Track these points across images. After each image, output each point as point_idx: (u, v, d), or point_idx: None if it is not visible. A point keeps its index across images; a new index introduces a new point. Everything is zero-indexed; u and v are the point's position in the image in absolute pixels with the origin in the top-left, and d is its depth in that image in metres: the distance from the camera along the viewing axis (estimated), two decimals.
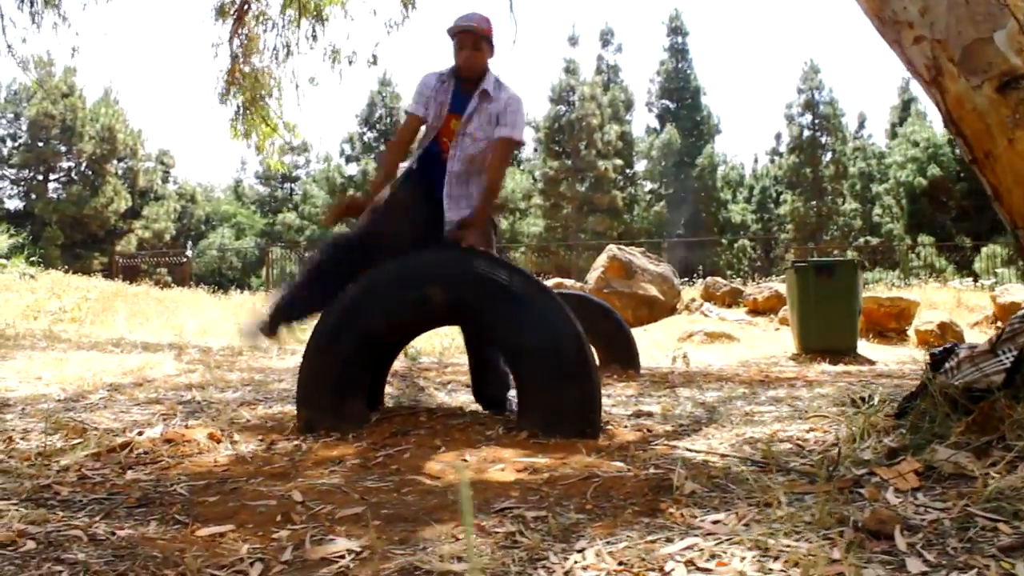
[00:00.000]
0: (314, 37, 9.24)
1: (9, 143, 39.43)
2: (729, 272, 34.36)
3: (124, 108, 42.19)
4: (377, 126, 40.27)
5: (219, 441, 3.36)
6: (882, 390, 4.90)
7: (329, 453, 3.13)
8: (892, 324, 13.32)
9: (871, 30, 3.38)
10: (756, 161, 46.31)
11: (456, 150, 4.03)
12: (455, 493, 2.54)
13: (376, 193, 4.01)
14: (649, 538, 2.05)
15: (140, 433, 3.51)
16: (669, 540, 2.03)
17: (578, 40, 41.15)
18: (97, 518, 2.30)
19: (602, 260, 16.18)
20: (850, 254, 35.88)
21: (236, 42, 9.24)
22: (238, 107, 9.52)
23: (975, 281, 21.68)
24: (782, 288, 16.34)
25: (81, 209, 37.54)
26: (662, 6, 72.48)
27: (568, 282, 16.92)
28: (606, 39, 40.50)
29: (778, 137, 44.23)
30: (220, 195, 49.24)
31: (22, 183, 39.62)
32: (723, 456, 3.08)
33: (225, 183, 51.10)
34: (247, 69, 9.57)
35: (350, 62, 10.04)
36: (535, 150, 39.93)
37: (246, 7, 9.10)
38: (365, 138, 39.54)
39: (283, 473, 2.82)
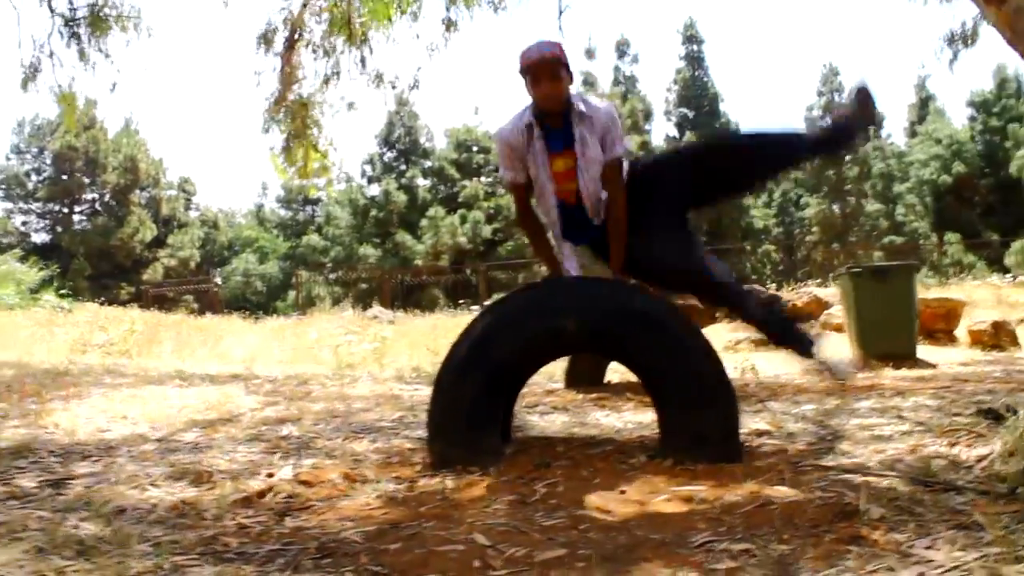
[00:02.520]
0: (363, 63, 9.25)
1: (34, 177, 39.75)
2: (754, 277, 34.21)
3: (145, 138, 42.43)
4: (396, 146, 40.34)
5: (354, 481, 3.30)
6: (1004, 399, 4.80)
7: (478, 490, 3.06)
8: (940, 325, 13.14)
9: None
10: None
11: (583, 182, 3.87)
12: (641, 528, 2.48)
13: (554, 268, 4.01)
14: (869, 568, 2.00)
15: (270, 475, 3.46)
16: (891, 569, 1.97)
17: (595, 52, 41.25)
18: (288, 572, 2.24)
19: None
20: (876, 255, 35.72)
21: (286, 69, 9.25)
22: (288, 134, 9.51)
23: (1014, 277, 21.52)
24: (820, 292, 16.24)
25: (107, 240, 37.82)
26: (677, 15, 72.50)
27: None
28: (622, 50, 40.53)
29: None
30: (242, 220, 49.46)
31: (48, 216, 39.91)
32: (880, 475, 3.00)
33: (246, 208, 51.35)
34: (292, 97, 9.57)
35: (393, 86, 10.05)
36: None
37: (296, 36, 9.12)
38: (385, 158, 39.62)
39: (445, 515, 2.75)
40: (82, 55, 9.49)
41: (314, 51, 9.18)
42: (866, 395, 6.04)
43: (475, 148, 39.82)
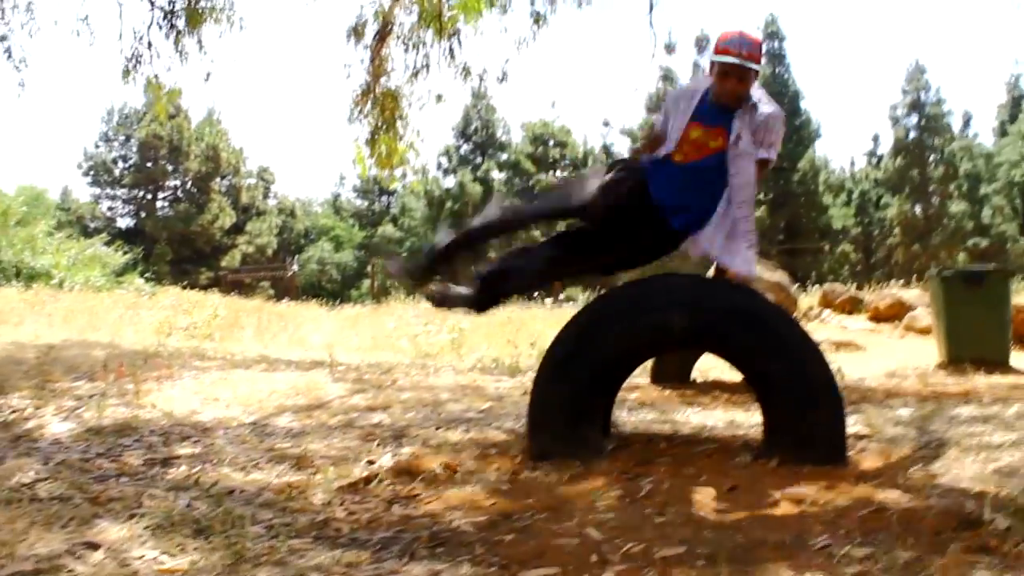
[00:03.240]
0: (451, 55, 9.27)
1: (121, 164, 40.73)
2: (831, 277, 33.59)
3: (226, 127, 43.30)
4: (473, 138, 40.47)
5: (455, 471, 3.31)
6: None
7: (582, 484, 3.04)
8: None
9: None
10: (853, 164, 45.28)
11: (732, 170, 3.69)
12: (756, 529, 2.44)
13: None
14: None
15: (371, 463, 3.49)
16: None
17: (675, 47, 40.85)
18: (404, 559, 2.25)
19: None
20: (960, 257, 34.82)
21: (375, 61, 9.31)
22: (376, 125, 9.57)
23: None
24: (905, 295, 15.88)
25: (188, 226, 38.61)
26: (758, 11, 71.53)
27: None
28: (701, 45, 40.02)
29: (876, 139, 43.26)
30: (318, 209, 50.08)
31: (133, 202, 40.90)
32: (998, 486, 2.91)
33: (323, 197, 51.98)
34: (380, 89, 9.63)
35: (481, 79, 10.04)
36: None
37: (388, 28, 9.17)
38: (461, 151, 39.76)
39: (553, 508, 2.74)
40: (178, 47, 9.68)
41: (404, 44, 9.26)
42: (963, 401, 5.89)
43: (551, 142, 39.76)
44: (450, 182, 39.00)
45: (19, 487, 3.26)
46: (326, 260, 42.69)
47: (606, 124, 44.55)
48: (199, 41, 9.98)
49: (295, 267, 37.00)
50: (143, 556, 2.33)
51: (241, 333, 13.56)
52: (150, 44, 9.76)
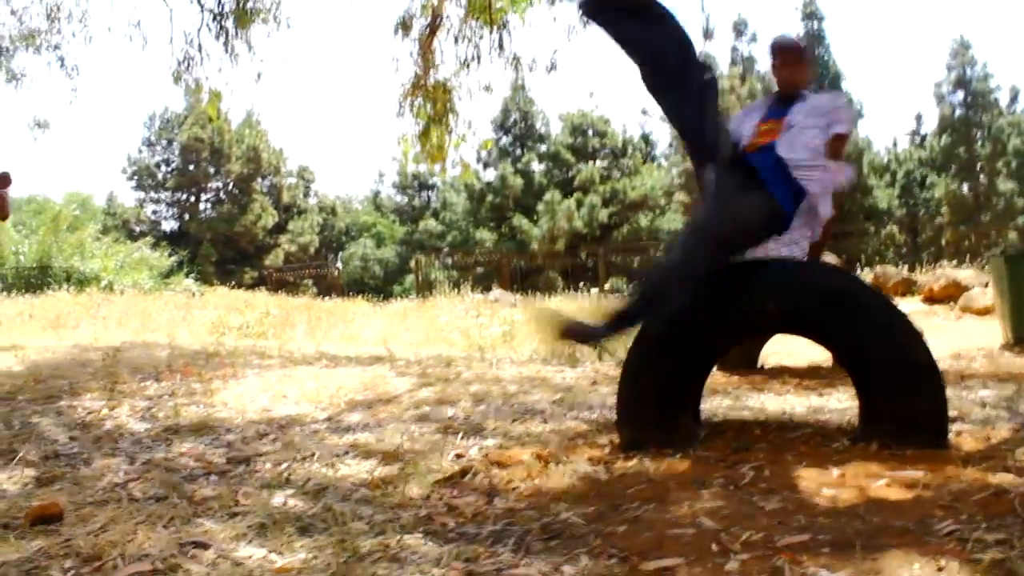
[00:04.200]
0: (500, 47, 9.22)
1: (164, 168, 41.19)
2: (877, 260, 33.13)
3: (266, 128, 43.60)
4: (512, 131, 40.36)
5: (547, 462, 3.26)
6: None
7: (680, 473, 2.99)
8: None
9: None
10: (895, 144, 44.60)
11: (781, 140, 3.89)
12: (874, 514, 2.37)
13: None
14: None
15: (459, 456, 3.46)
16: None
17: (713, 33, 40.45)
18: (520, 553, 2.21)
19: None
20: (1012, 236, 34.19)
21: (425, 54, 9.29)
22: (429, 118, 9.55)
23: None
24: (959, 275, 15.61)
25: (232, 227, 38.96)
26: None
27: None
28: (739, 30, 39.61)
29: (919, 118, 42.60)
30: (358, 206, 50.29)
31: (176, 205, 41.33)
32: None
33: (363, 194, 52.20)
34: (431, 81, 9.61)
35: (531, 69, 9.99)
36: (671, 145, 39.39)
37: (438, 20, 9.15)
38: (501, 143, 39.67)
39: (658, 497, 2.69)
40: (228, 48, 9.73)
41: (454, 36, 9.22)
42: None
43: (590, 132, 39.53)
44: (490, 175, 38.94)
45: (112, 487, 3.27)
46: (368, 257, 42.86)
47: (644, 112, 44.24)
48: (248, 42, 10.02)
49: (339, 264, 37.15)
50: (252, 555, 2.31)
51: (293, 331, 13.61)
52: (200, 46, 9.82)
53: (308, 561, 2.22)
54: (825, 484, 2.75)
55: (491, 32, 9.21)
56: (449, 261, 35.85)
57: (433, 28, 9.25)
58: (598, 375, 6.55)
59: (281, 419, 4.88)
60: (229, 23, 9.83)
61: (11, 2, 11.12)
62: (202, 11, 9.77)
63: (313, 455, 3.65)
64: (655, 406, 3.37)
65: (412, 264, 37.56)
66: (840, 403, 4.95)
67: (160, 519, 2.68)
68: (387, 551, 2.26)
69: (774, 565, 2.02)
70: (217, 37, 9.69)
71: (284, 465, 3.55)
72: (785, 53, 4.25)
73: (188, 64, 9.88)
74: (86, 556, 2.34)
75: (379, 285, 38.05)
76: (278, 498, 2.92)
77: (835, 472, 2.87)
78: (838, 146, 4.12)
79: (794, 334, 3.54)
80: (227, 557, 2.28)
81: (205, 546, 2.36)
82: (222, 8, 9.77)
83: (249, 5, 9.81)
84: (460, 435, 4.03)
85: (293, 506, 2.79)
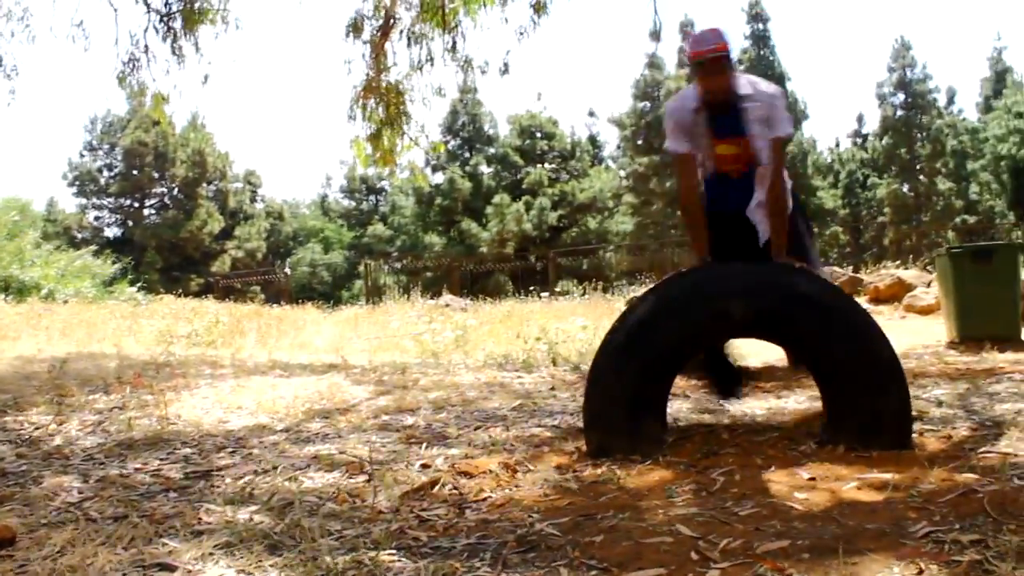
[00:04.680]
0: (453, 49, 9.15)
1: (106, 173, 40.47)
2: (822, 260, 33.56)
3: (211, 132, 43.00)
4: (460, 134, 40.27)
5: (515, 471, 3.22)
6: None
7: (651, 479, 2.96)
8: None
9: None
10: (838, 145, 45.29)
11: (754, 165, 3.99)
12: (848, 518, 2.37)
13: (702, 252, 3.88)
14: None
15: (425, 466, 3.40)
16: None
17: (660, 33, 40.72)
18: (498, 567, 2.17)
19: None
20: (950, 235, 34.85)
21: (377, 57, 9.19)
22: (381, 121, 9.45)
23: None
24: (903, 275, 15.85)
25: (177, 233, 38.40)
26: None
27: None
28: (686, 31, 39.96)
29: (860, 119, 43.31)
30: (306, 211, 49.85)
31: (120, 211, 40.64)
32: None
33: (310, 199, 51.73)
34: (383, 84, 9.51)
35: (483, 72, 9.93)
36: (619, 147, 39.59)
37: (391, 22, 9.05)
38: (450, 146, 39.53)
39: (630, 505, 2.66)
40: (175, 49, 9.54)
41: (408, 38, 9.14)
42: (994, 379, 5.83)
43: (539, 134, 39.59)
44: (439, 178, 38.81)
45: (67, 507, 3.17)
46: (316, 262, 42.50)
47: (592, 114, 44.38)
48: (195, 43, 9.85)
49: (287, 270, 36.74)
50: (221, 575, 2.23)
51: (243, 339, 13.41)
52: (147, 48, 9.63)
53: None
54: (796, 488, 2.75)
55: (444, 34, 9.15)
56: (398, 266, 35.73)
57: (386, 30, 9.17)
58: (555, 380, 6.52)
59: (238, 431, 4.79)
60: (176, 24, 9.65)
61: None
62: (148, 11, 9.59)
63: (275, 468, 3.58)
64: (621, 412, 3.34)
65: (361, 269, 37.39)
66: (798, 404, 4.98)
67: (120, 540, 2.60)
68: (360, 568, 2.20)
69: (756, 573, 2.00)
70: (164, 38, 9.51)
71: (245, 479, 3.47)
72: (708, 63, 3.84)
73: (134, 66, 9.68)
74: None
75: (327, 291, 37.79)
76: (242, 514, 2.84)
77: (805, 475, 2.87)
78: (778, 150, 4.00)
79: (760, 338, 3.54)
80: None
81: (170, 568, 2.28)
82: (169, 8, 9.59)
83: (197, 5, 9.64)
84: (424, 445, 3.98)
85: (259, 522, 2.72)
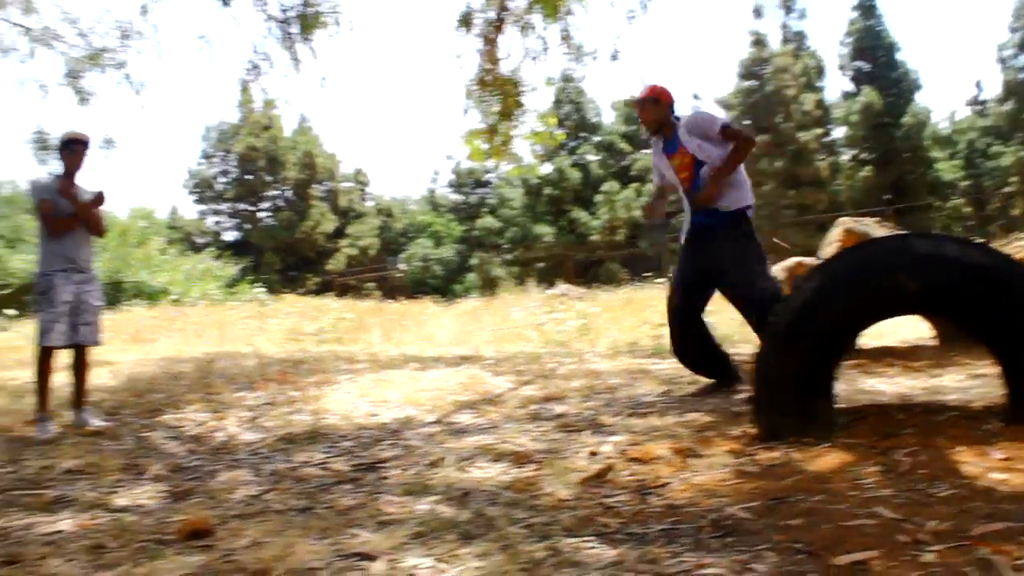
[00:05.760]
0: (567, 37, 9.12)
1: (222, 179, 41.70)
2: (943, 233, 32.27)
3: (318, 133, 43.90)
4: (565, 122, 40.13)
5: (686, 456, 3.18)
6: None
7: (831, 461, 2.89)
8: None
9: None
10: (954, 115, 43.52)
11: (704, 169, 5.09)
12: None
13: (651, 211, 5.67)
14: None
15: (593, 453, 3.40)
16: None
17: (762, 11, 39.89)
18: (700, 552, 2.14)
19: (835, 234, 15.33)
20: None
21: (491, 49, 9.22)
22: (496, 113, 9.49)
23: None
24: None
25: (292, 234, 39.31)
26: None
27: (807, 260, 16.24)
28: (788, 6, 38.96)
29: (978, 85, 41.55)
30: (414, 207, 50.42)
31: (237, 215, 41.83)
32: None
33: (418, 194, 52.29)
34: (497, 76, 9.53)
35: (593, 58, 9.87)
36: None
37: (504, 13, 9.07)
38: (548, 135, 39.32)
39: (816, 488, 2.60)
40: (292, 54, 9.75)
41: (522, 29, 9.13)
42: None
43: None
44: (546, 168, 38.73)
45: (250, 499, 3.26)
46: (428, 256, 42.94)
47: (696, 97, 43.67)
48: (311, 47, 10.05)
49: (402, 266, 37.25)
50: (419, 565, 2.27)
51: (368, 335, 13.66)
52: (266, 55, 9.86)
53: (483, 569, 2.17)
54: (991, 468, 2.65)
55: (554, 22, 9.11)
56: (510, 257, 35.93)
57: (500, 21, 9.18)
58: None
59: (390, 424, 4.87)
60: (294, 29, 9.86)
61: (78, 24, 11.29)
62: (267, 19, 9.81)
63: (442, 459, 3.61)
64: (792, 394, 3.27)
65: (473, 262, 37.72)
66: (957, 383, 4.81)
67: (311, 530, 2.66)
68: (560, 555, 2.20)
69: (977, 556, 1.93)
70: (282, 44, 9.71)
71: (414, 470, 3.52)
72: (638, 105, 5.32)
73: (257, 73, 9.92)
74: (252, 570, 2.32)
75: (440, 285, 38.11)
76: (423, 505, 2.88)
77: (998, 455, 2.76)
78: (730, 132, 5.01)
79: (929, 314, 3.41)
80: (396, 568, 2.24)
81: (371, 557, 2.33)
82: (286, 15, 9.79)
83: (312, 10, 9.82)
84: (582, 432, 3.98)
85: (442, 513, 2.75)
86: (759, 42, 36.40)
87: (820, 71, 37.87)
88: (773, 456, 3.05)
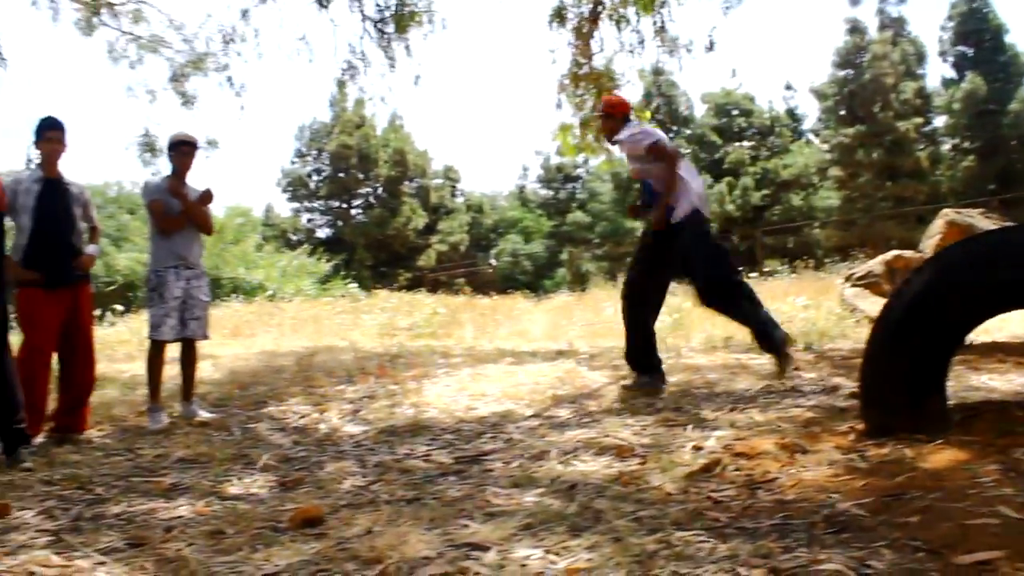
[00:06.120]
0: (662, 30, 9.07)
1: (315, 177, 42.48)
2: None
3: (410, 131, 44.32)
4: (656, 116, 39.80)
5: (792, 451, 3.14)
6: None
7: (946, 459, 2.82)
8: None
9: None
10: None
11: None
12: None
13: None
14: None
15: (697, 448, 3.38)
16: None
17: None
18: (815, 548, 2.12)
19: (937, 226, 14.96)
20: None
21: (584, 43, 9.22)
22: (593, 107, 9.48)
23: None
24: None
25: (384, 230, 39.81)
26: None
27: (907, 253, 15.82)
28: None
29: None
30: (503, 203, 50.61)
31: (329, 212, 42.56)
32: None
33: (507, 190, 52.43)
34: (591, 70, 9.53)
35: (688, 50, 9.79)
36: (820, 119, 38.08)
37: (599, 7, 9.06)
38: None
39: (935, 485, 2.54)
40: (387, 53, 9.91)
41: (616, 23, 9.10)
42: None
43: (735, 112, 38.73)
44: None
45: (357, 489, 3.34)
46: (518, 252, 43.07)
47: (789, 87, 42.96)
48: (407, 46, 10.18)
49: (492, 261, 37.45)
50: (531, 555, 2.29)
51: (461, 330, 13.77)
52: (363, 54, 10.03)
53: (594, 561, 2.18)
54: None
55: (650, 15, 9.07)
56: (599, 252, 35.83)
57: (594, 15, 9.16)
58: (798, 361, 6.32)
59: (490, 417, 4.91)
60: (389, 28, 10.00)
61: (183, 31, 11.64)
62: (363, 20, 9.98)
63: (545, 452, 3.63)
64: (903, 390, 3.19)
65: (563, 257, 37.69)
66: None
67: (421, 520, 2.70)
68: (671, 548, 2.20)
69: None
70: (379, 44, 9.86)
71: (517, 463, 3.55)
72: (599, 118, 6.20)
73: (352, 73, 10.10)
74: (366, 559, 2.37)
75: (530, 280, 38.18)
76: (529, 497, 2.91)
77: None
78: (655, 150, 5.40)
79: None
80: (509, 559, 2.26)
81: (483, 548, 2.36)
82: (382, 15, 9.94)
83: (407, 9, 9.95)
84: (684, 427, 3.95)
85: (549, 505, 2.77)
86: (856, 29, 35.54)
87: (920, 58, 36.77)
88: (883, 452, 2.99)
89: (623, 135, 5.57)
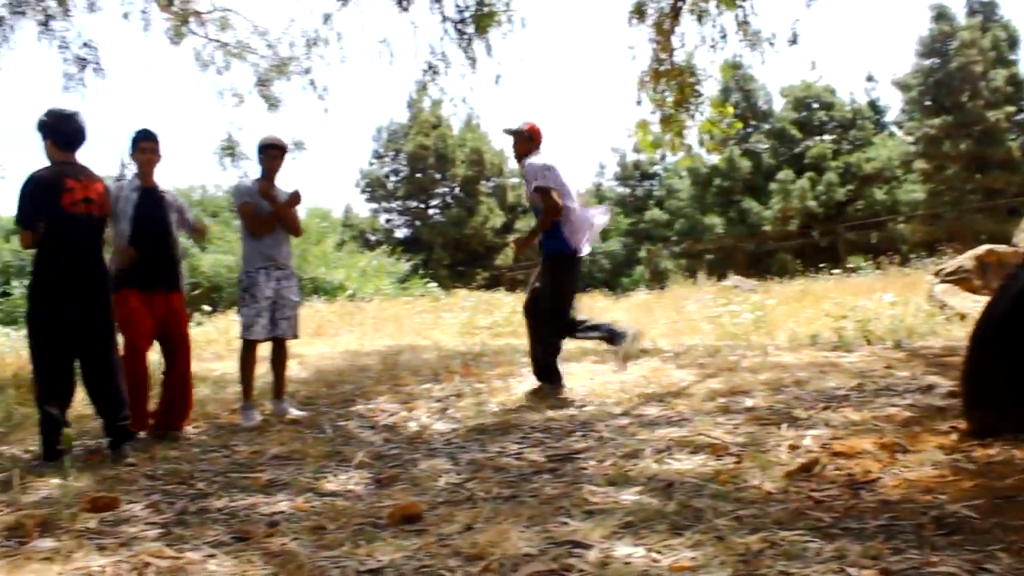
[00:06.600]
0: (744, 23, 8.96)
1: (393, 178, 42.93)
2: None
3: (486, 131, 44.47)
4: (734, 111, 39.39)
5: (892, 451, 3.09)
6: None
7: None
8: None
9: None
10: None
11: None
12: None
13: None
14: None
15: (793, 447, 3.35)
16: None
17: None
18: (926, 550, 2.08)
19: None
20: None
21: (666, 39, 9.15)
22: (673, 104, 9.43)
23: None
24: None
25: (461, 230, 40.07)
26: None
27: (999, 248, 15.37)
28: None
29: None
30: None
31: (407, 212, 42.97)
32: None
33: (583, 188, 52.31)
34: (671, 66, 9.46)
35: (771, 44, 9.64)
36: (904, 110, 37.14)
37: (680, 2, 8.99)
38: (724, 123, 38.61)
39: None
40: (468, 53, 9.96)
41: (697, 17, 9.02)
42: None
43: (815, 105, 37.98)
44: (715, 157, 38.03)
45: (453, 487, 3.37)
46: (595, 250, 42.94)
47: (870, 79, 42.04)
48: (487, 46, 10.22)
49: None
50: (633, 554, 2.29)
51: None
52: (443, 55, 10.10)
53: (698, 559, 2.17)
54: None
55: (732, 9, 8.96)
56: (677, 250, 35.49)
57: (675, 10, 9.09)
58: (884, 358, 6.21)
59: (580, 416, 4.91)
60: (469, 29, 10.05)
61: (267, 36, 11.87)
62: (443, 21, 10.05)
63: (639, 451, 3.63)
64: (1008, 391, 3.12)
65: (640, 255, 37.43)
66: None
67: (520, 518, 2.73)
68: (775, 548, 2.19)
69: None
70: (459, 44, 9.92)
71: (610, 461, 3.55)
72: (515, 135, 6.20)
73: (433, 74, 10.18)
74: (468, 555, 2.40)
75: (607, 278, 38.04)
76: (627, 495, 2.91)
77: None
78: (539, 192, 5.71)
79: None
80: (611, 556, 2.27)
81: (585, 546, 2.37)
82: (462, 15, 10.00)
83: (486, 9, 9.99)
84: (778, 426, 3.91)
85: (648, 503, 2.77)
86: (942, 16, 34.58)
87: (1013, 43, 35.56)
88: (990, 453, 2.93)
89: (530, 160, 5.95)
